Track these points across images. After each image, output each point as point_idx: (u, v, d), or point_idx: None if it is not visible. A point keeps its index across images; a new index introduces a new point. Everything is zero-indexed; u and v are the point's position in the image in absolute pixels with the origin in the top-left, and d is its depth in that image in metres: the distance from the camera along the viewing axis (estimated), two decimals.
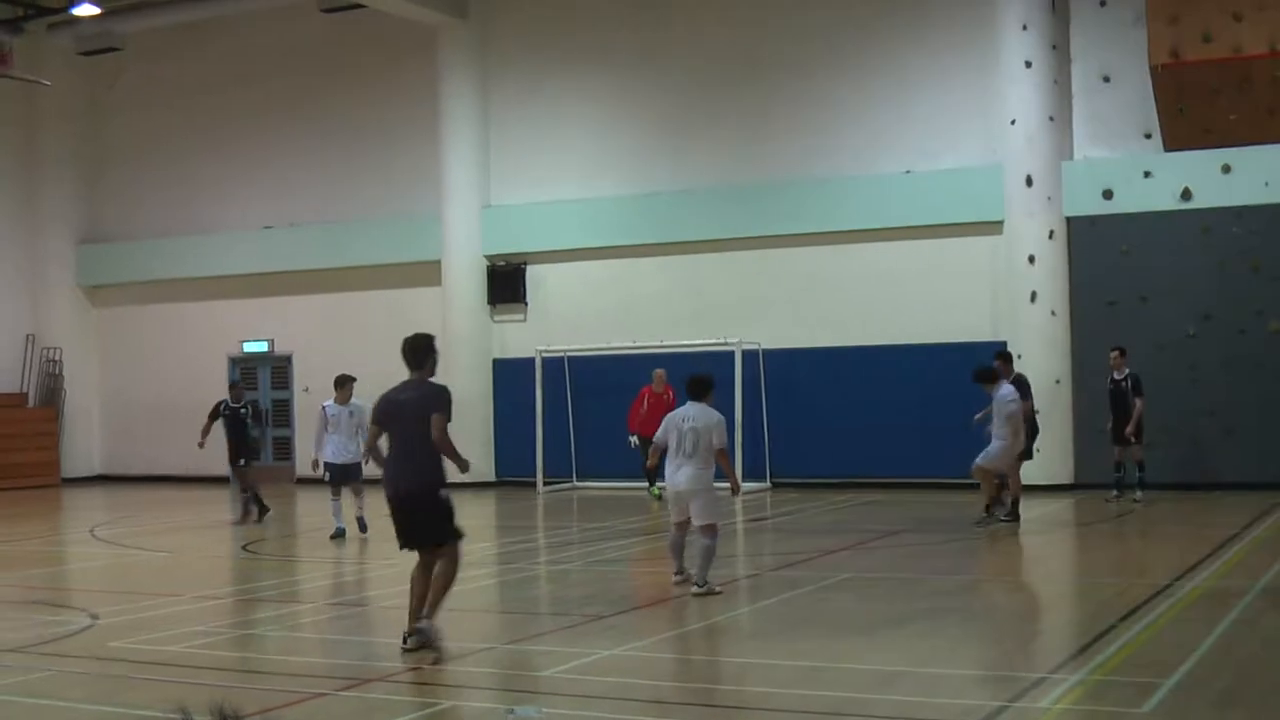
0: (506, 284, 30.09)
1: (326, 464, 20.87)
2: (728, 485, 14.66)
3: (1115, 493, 23.64)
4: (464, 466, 12.03)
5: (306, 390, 32.24)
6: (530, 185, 30.09)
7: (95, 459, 35.00)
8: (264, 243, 32.71)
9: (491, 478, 29.91)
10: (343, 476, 20.85)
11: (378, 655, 11.36)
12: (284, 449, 32.81)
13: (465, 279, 30.18)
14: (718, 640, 12.16)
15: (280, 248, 32.49)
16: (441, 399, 11.81)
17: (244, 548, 20.52)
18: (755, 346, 27.55)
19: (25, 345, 34.49)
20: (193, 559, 19.65)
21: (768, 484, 27.45)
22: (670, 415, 14.51)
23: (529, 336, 29.58)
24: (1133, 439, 23.23)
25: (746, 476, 26.64)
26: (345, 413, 20.89)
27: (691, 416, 14.12)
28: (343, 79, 32.13)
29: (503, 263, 30.14)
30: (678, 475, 14.10)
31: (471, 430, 29.88)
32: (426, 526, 11.40)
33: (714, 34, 28.62)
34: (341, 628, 13.36)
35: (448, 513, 11.41)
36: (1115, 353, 23.69)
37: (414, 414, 11.61)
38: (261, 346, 33.18)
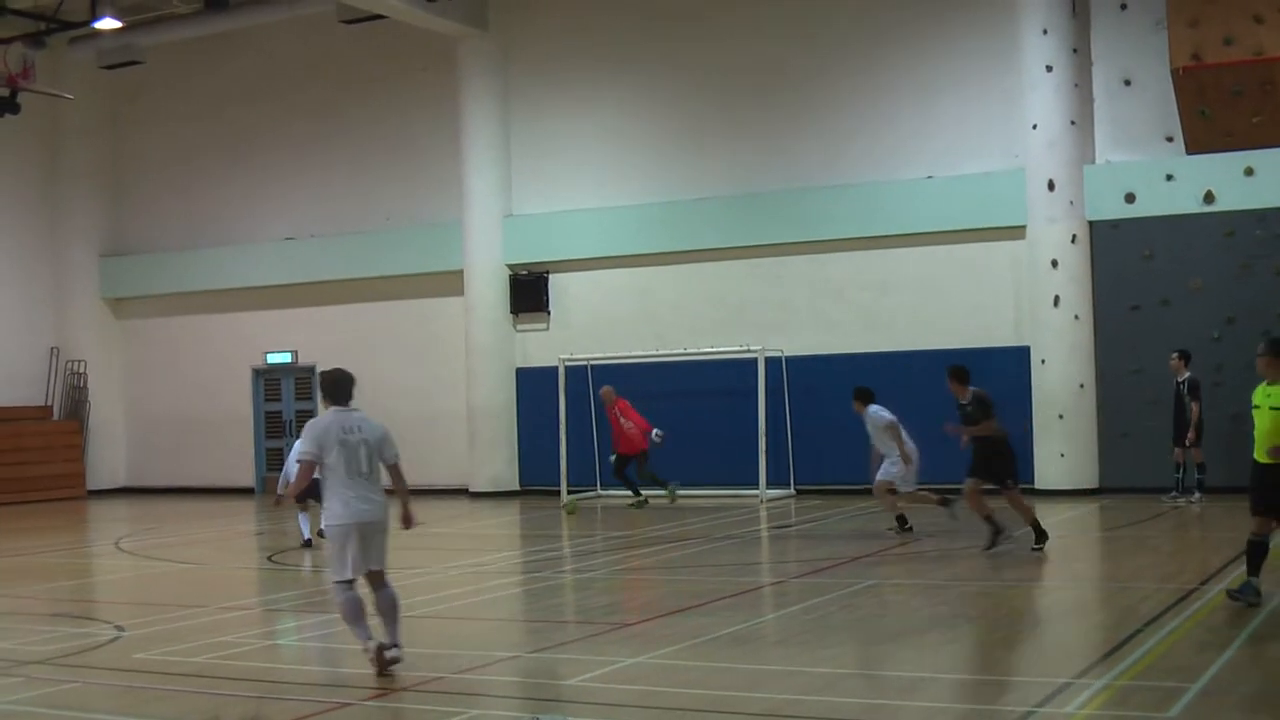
0: (528, 293, 30.12)
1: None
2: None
3: (1174, 494, 23.60)
4: None
5: None
6: (551, 194, 30.12)
7: (120, 471, 35.10)
8: (286, 254, 32.80)
9: (515, 486, 29.94)
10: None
11: (404, 665, 11.36)
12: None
13: (487, 288, 30.22)
14: (742, 648, 12.15)
15: (303, 259, 32.57)
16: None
17: (269, 558, 20.56)
18: (778, 353, 27.53)
19: (50, 358, 34.62)
20: (217, 570, 19.71)
21: (791, 491, 27.42)
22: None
23: (551, 345, 29.59)
24: (1190, 442, 23.19)
25: (770, 483, 26.61)
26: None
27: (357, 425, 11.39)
28: (363, 90, 32.22)
29: (525, 272, 30.17)
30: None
31: (495, 440, 29.97)
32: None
33: (733, 41, 28.62)
34: None
35: None
36: (1175, 356, 23.63)
37: None
38: (285, 358, 33.25)
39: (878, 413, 20.16)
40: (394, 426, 28.58)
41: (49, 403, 34.62)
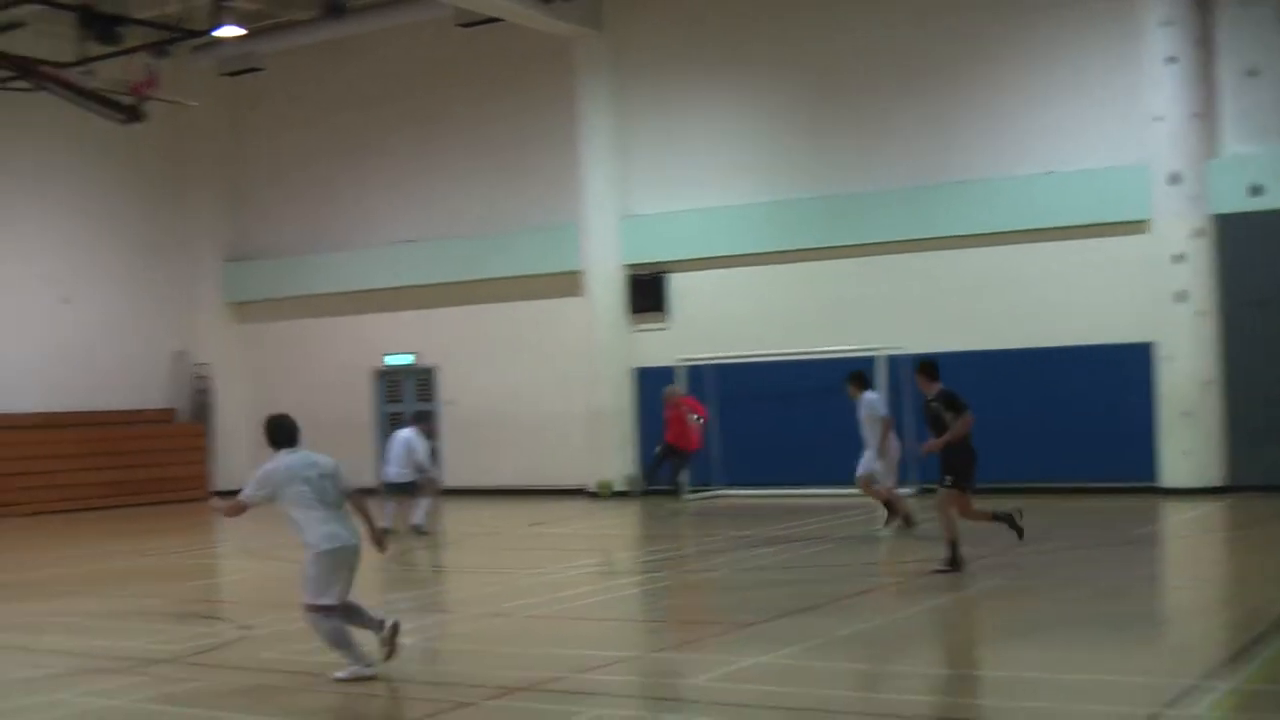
0: (646, 293, 30.14)
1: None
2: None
3: None
4: None
5: (452, 403, 32.55)
6: (668, 193, 30.10)
7: (243, 473, 35.49)
8: (405, 256, 33.06)
9: (636, 487, 29.97)
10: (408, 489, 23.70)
11: (525, 664, 11.40)
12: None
13: (605, 289, 30.27)
14: (866, 648, 12.07)
15: (422, 261, 32.81)
16: None
17: (393, 559, 20.72)
18: (897, 351, 27.33)
19: (175, 362, 35.15)
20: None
21: (914, 491, 27.18)
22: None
23: (669, 345, 29.57)
24: None
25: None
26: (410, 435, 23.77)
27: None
28: (479, 92, 32.40)
29: (643, 272, 30.20)
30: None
31: (613, 440, 30.01)
32: None
33: (849, 37, 28.45)
34: (487, 638, 13.42)
35: None
36: None
37: None
38: (406, 359, 33.51)
39: (875, 402, 20.70)
40: (512, 427, 28.86)
41: (174, 406, 35.15)
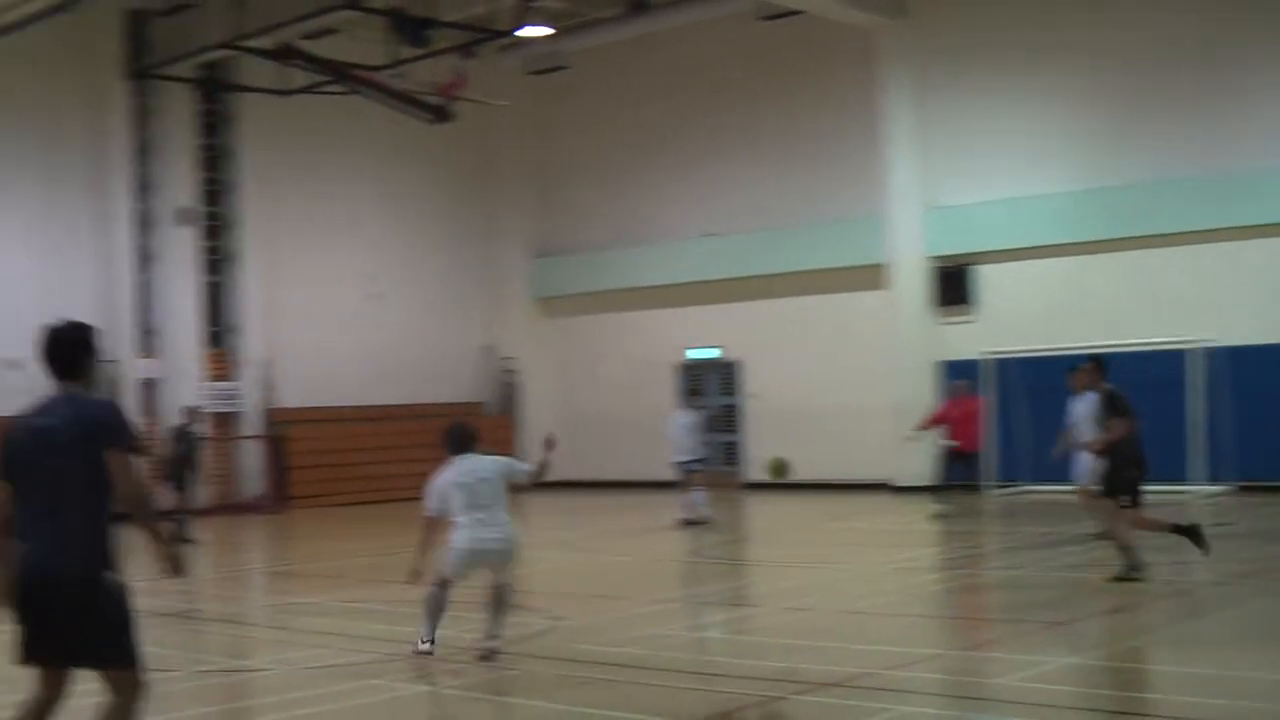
0: (952, 285, 29.74)
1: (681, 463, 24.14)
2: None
3: None
4: (170, 560, 7.27)
5: (755, 396, 32.62)
6: (974, 183, 29.62)
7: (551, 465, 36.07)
8: (708, 250, 33.22)
9: (939, 482, 29.57)
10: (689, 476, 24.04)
11: (830, 659, 11.34)
12: (733, 454, 33.21)
13: (910, 281, 29.97)
14: (1181, 650, 11.70)
15: (725, 254, 32.93)
16: (113, 421, 7.04)
17: (698, 551, 20.87)
18: (1214, 344, 26.41)
19: (483, 356, 35.97)
20: (648, 562, 20.09)
21: (1231, 487, 26.24)
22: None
23: (974, 338, 29.10)
24: None
25: (1208, 479, 25.57)
26: (689, 420, 24.40)
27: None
28: (780, 84, 32.38)
29: (948, 264, 29.80)
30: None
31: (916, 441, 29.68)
32: (79, 633, 6.87)
33: (1159, 18, 27.59)
34: (792, 632, 13.40)
35: (118, 613, 6.95)
36: None
37: (61, 450, 6.90)
38: (709, 353, 33.69)
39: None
40: (813, 420, 28.72)
41: (482, 399, 35.98)
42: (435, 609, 12.00)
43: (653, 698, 10.34)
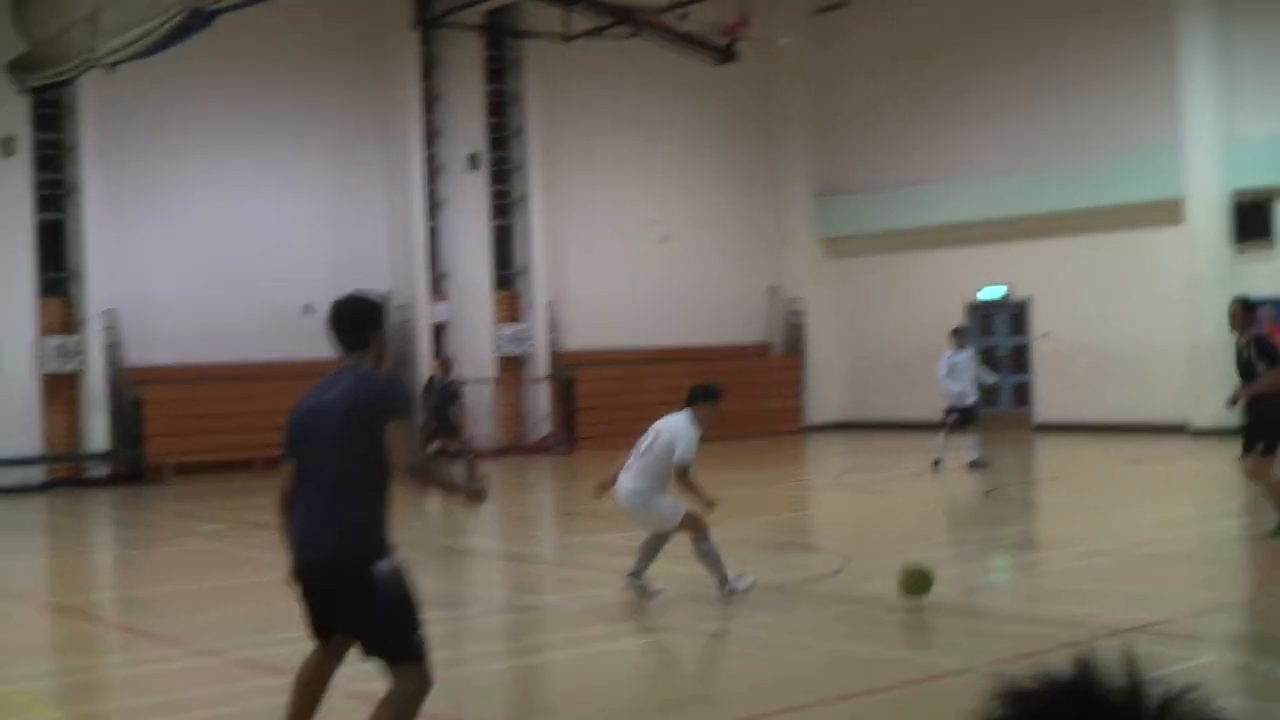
0: (1253, 220, 28.55)
1: (950, 407, 23.48)
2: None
3: None
4: (471, 497, 7.26)
5: (1045, 335, 31.93)
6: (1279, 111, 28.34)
7: (835, 406, 36.01)
8: (997, 189, 32.52)
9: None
10: (964, 418, 23.36)
11: (1129, 605, 11.03)
12: (1023, 395, 32.60)
13: (1208, 217, 28.88)
14: None
15: (1013, 193, 32.19)
16: (391, 394, 6.89)
17: (986, 493, 20.54)
18: None
19: (769, 297, 35.91)
20: (936, 505, 19.86)
21: None
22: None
23: (1275, 277, 27.92)
24: None
25: None
26: (962, 359, 23.64)
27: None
28: (1067, 16, 31.43)
29: (1249, 197, 28.62)
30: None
31: (1217, 374, 28.68)
32: (356, 621, 6.75)
33: None
34: (1089, 576, 13.08)
35: (395, 604, 6.69)
36: None
37: (338, 427, 6.77)
38: (998, 293, 33.08)
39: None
40: (1107, 361, 27.89)
41: (769, 340, 35.95)
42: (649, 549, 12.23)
43: (942, 640, 10.20)
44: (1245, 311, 14.83)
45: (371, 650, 6.72)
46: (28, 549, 19.37)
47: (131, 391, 27.23)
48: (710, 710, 7.96)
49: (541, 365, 32.04)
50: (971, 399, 23.43)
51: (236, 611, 12.89)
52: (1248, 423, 14.43)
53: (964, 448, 22.81)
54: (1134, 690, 1.36)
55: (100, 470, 27.03)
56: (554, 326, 32.22)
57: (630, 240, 33.82)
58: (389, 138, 30.41)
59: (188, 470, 26.24)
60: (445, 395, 24.37)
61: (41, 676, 10.64)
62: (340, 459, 6.68)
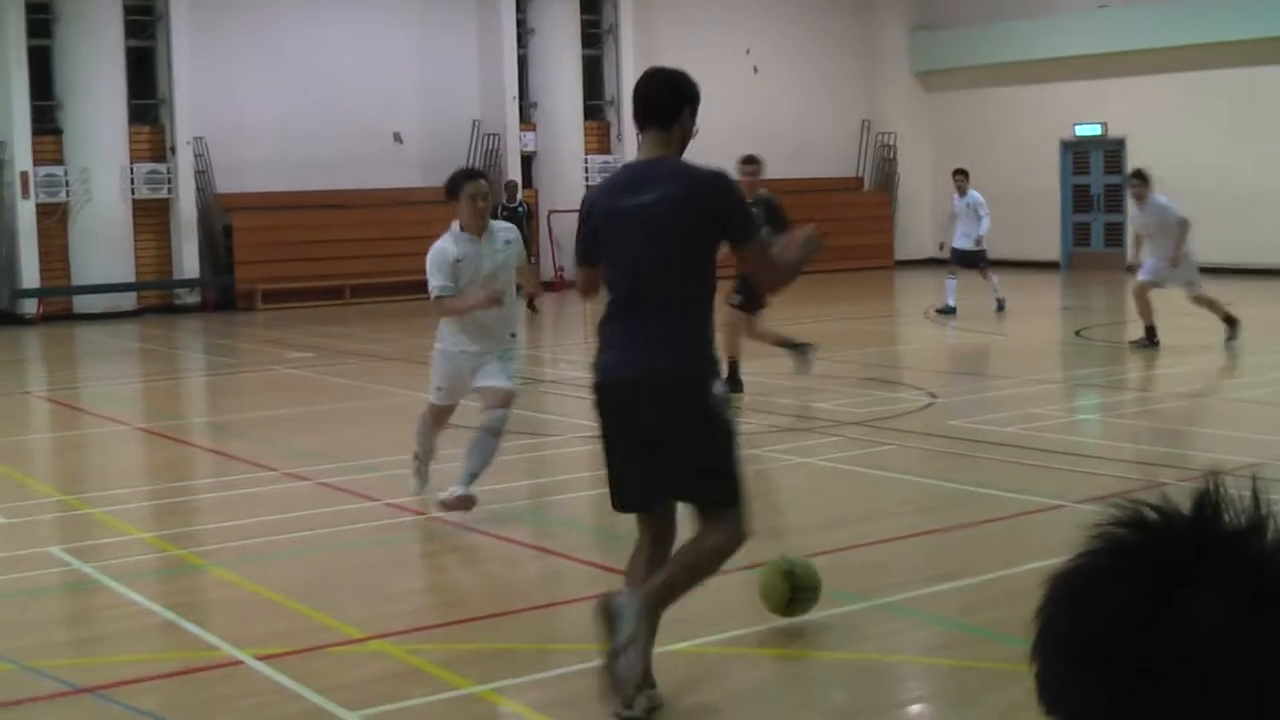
0: None
1: (952, 249, 22.93)
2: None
3: None
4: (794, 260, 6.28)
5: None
6: None
7: (926, 242, 35.67)
8: (1098, 22, 31.75)
9: None
10: (967, 261, 22.41)
11: (1222, 447, 10.88)
12: (1115, 236, 32.12)
13: None
14: None
15: (1114, 27, 31.42)
16: (730, 192, 6.24)
17: (1077, 333, 20.33)
18: None
19: (861, 131, 35.46)
20: (1025, 342, 19.69)
21: None
22: None
23: None
24: None
25: None
26: (963, 204, 22.75)
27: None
28: None
29: None
30: None
31: None
32: (683, 456, 5.85)
33: None
34: (1183, 418, 12.94)
35: (724, 432, 5.90)
36: None
37: (666, 227, 5.94)
38: (1094, 130, 32.46)
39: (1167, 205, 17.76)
40: (1205, 202, 27.40)
41: (860, 174, 35.56)
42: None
43: (1028, 477, 10.13)
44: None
45: (690, 488, 5.88)
46: (120, 374, 19.65)
47: (221, 219, 27.40)
48: (800, 541, 7.92)
49: None
50: (961, 244, 22.59)
51: (324, 437, 13.02)
52: None
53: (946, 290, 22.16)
54: (1258, 522, 1.27)
55: (191, 297, 27.32)
56: None
57: (720, 71, 33.30)
58: None
59: (276, 297, 26.42)
60: (512, 220, 24.21)
61: (134, 499, 10.80)
62: (673, 267, 5.88)
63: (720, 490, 5.81)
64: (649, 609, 5.65)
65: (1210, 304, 17.28)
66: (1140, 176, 17.78)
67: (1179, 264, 17.26)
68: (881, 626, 7.19)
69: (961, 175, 23.23)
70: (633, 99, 6.32)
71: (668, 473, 5.82)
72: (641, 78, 6.43)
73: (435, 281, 9.11)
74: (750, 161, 14.15)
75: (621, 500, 5.97)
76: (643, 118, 6.24)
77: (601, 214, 6.09)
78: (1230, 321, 17.09)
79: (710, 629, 6.81)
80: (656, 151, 6.20)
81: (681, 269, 5.87)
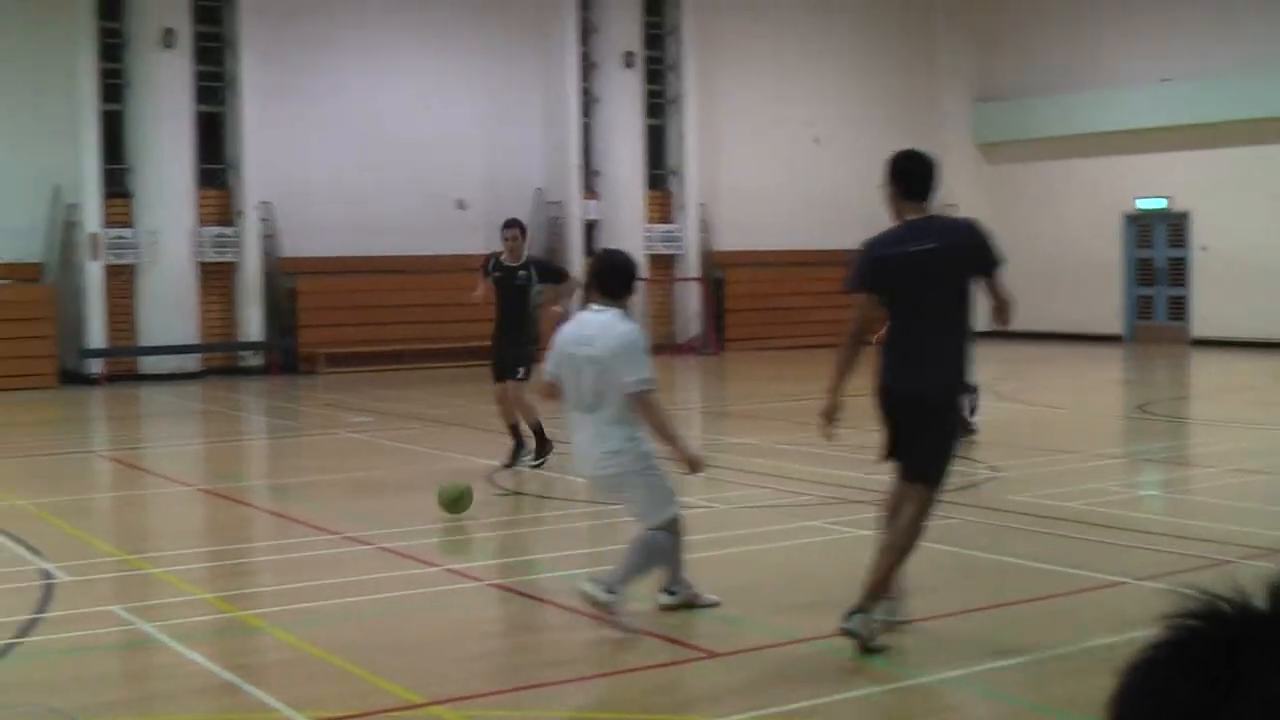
0: None
1: None
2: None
3: None
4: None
5: (1204, 249, 31.19)
6: None
7: (985, 313, 35.42)
8: (1159, 96, 31.71)
9: None
10: None
11: None
12: (1179, 309, 31.92)
13: None
14: None
15: (1176, 101, 31.33)
16: (991, 243, 7.99)
17: (1139, 408, 20.20)
18: None
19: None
20: (1086, 416, 19.57)
21: None
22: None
23: None
24: None
25: None
26: None
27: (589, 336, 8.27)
28: None
29: None
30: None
31: None
32: (918, 441, 7.71)
33: None
34: (1243, 494, 12.80)
35: (951, 433, 7.93)
36: None
37: (949, 271, 7.74)
38: (1158, 204, 32.34)
39: None
40: (1269, 276, 27.08)
41: None
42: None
43: (1091, 553, 10.05)
44: None
45: (915, 470, 7.64)
46: (183, 435, 19.80)
47: (285, 282, 27.62)
48: (834, 615, 7.89)
49: (692, 265, 31.97)
50: None
51: (384, 502, 13.08)
52: None
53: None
54: None
55: (254, 359, 27.53)
56: (705, 227, 32.10)
57: (783, 142, 33.51)
58: (544, 34, 30.31)
59: (339, 361, 26.59)
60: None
61: (195, 559, 10.87)
62: (947, 300, 7.68)
63: (934, 475, 7.67)
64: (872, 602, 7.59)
65: None
66: None
67: None
68: (942, 701, 7.15)
69: None
70: (902, 173, 7.88)
71: (908, 451, 7.68)
72: (912, 158, 8.03)
73: (650, 373, 8.25)
74: (510, 226, 14.60)
75: (884, 455, 7.83)
76: (917, 192, 7.83)
77: (888, 258, 7.71)
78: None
79: (777, 700, 6.78)
80: (922, 213, 7.82)
81: (958, 300, 7.74)
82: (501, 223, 14.93)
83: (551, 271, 14.22)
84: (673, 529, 8.25)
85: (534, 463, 14.08)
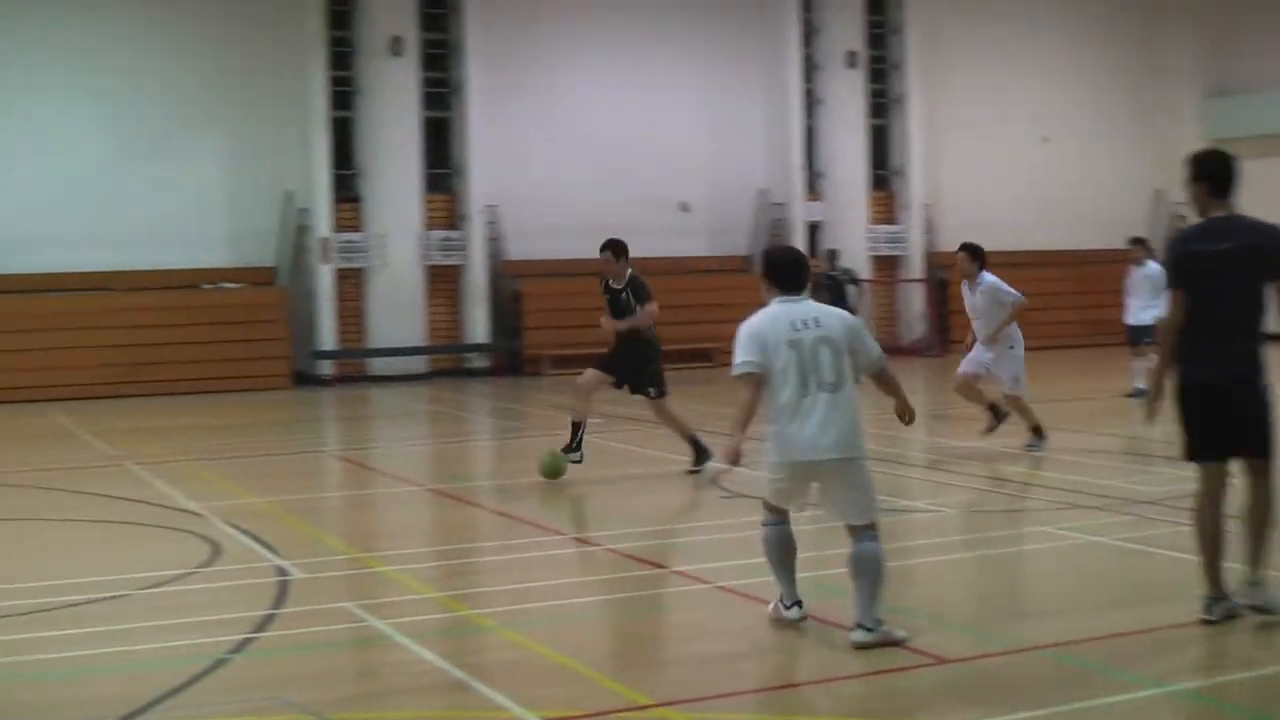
0: None
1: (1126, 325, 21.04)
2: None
3: None
4: None
5: None
6: None
7: None
8: None
9: None
10: (1133, 336, 20.67)
11: None
12: None
13: None
14: None
15: None
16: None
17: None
18: None
19: (1154, 201, 34.57)
20: None
21: None
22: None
23: None
24: None
25: None
26: (1141, 275, 20.83)
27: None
28: None
29: None
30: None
31: None
32: (1241, 427, 8.00)
33: None
34: None
35: (1270, 413, 8.14)
36: None
37: (1253, 269, 7.93)
38: None
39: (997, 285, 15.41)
40: None
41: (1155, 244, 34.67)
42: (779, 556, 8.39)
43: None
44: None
45: (1260, 451, 7.97)
46: (411, 435, 20.16)
47: (510, 285, 27.96)
48: (1083, 622, 7.72)
49: (916, 267, 31.65)
50: (1134, 320, 20.63)
51: (611, 503, 13.14)
52: None
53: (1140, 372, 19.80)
54: None
55: (480, 361, 27.92)
56: (929, 228, 31.75)
57: (1009, 141, 32.99)
58: (766, 35, 30.28)
59: (563, 363, 26.80)
60: (835, 288, 24.76)
61: (424, 558, 11.02)
62: (1238, 301, 7.88)
63: (1265, 450, 8.00)
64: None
65: (1023, 411, 15.17)
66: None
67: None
68: (1171, 714, 6.94)
69: (1139, 244, 21.81)
70: (1210, 171, 8.17)
71: (1231, 439, 7.99)
72: (1218, 156, 8.32)
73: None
74: (603, 249, 14.55)
75: (1194, 453, 8.08)
76: (1225, 190, 8.12)
77: (1196, 255, 7.96)
78: (1037, 431, 15.06)
79: (1003, 709, 6.66)
80: (1228, 210, 8.10)
81: (1255, 299, 7.90)
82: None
83: (642, 294, 14.19)
84: (878, 529, 8.12)
85: (694, 468, 14.25)
